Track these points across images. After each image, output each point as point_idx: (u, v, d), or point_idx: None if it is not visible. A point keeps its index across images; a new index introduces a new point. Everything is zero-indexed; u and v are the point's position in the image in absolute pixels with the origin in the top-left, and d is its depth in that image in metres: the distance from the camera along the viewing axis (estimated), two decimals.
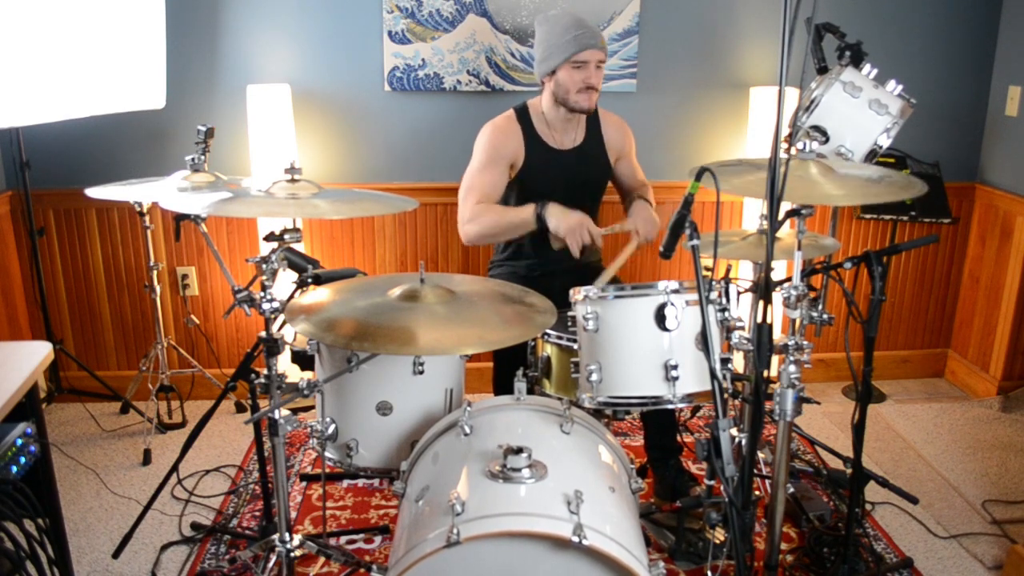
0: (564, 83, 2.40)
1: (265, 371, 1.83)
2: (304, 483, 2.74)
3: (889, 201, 1.88)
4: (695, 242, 1.61)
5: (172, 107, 3.01)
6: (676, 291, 1.76)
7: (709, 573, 2.08)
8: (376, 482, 2.69)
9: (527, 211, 2.36)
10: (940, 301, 3.59)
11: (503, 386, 2.36)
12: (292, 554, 1.93)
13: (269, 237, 1.78)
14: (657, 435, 2.55)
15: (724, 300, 1.83)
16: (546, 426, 1.74)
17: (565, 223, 2.29)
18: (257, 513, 2.56)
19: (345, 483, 2.71)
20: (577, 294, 1.86)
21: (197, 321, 3.25)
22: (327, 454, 2.00)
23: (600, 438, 1.80)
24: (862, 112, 2.19)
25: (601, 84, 2.44)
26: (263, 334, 1.81)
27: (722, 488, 1.49)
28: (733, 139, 3.29)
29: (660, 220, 2.46)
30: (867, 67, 2.24)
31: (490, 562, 1.44)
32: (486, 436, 1.68)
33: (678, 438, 2.58)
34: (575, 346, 1.93)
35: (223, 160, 3.10)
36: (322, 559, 2.25)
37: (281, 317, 1.80)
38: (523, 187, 2.50)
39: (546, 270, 2.54)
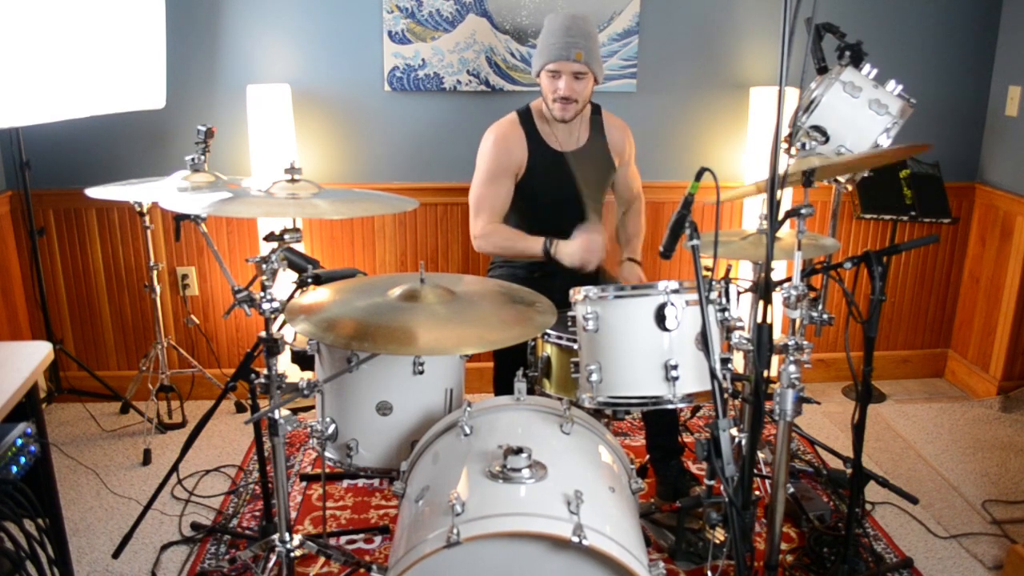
0: (544, 88, 2.43)
1: (265, 371, 1.83)
2: (304, 483, 2.74)
3: (893, 161, 1.88)
4: (695, 242, 1.61)
5: (172, 107, 3.01)
6: (676, 291, 1.76)
7: (709, 573, 2.08)
8: (376, 482, 2.69)
9: (536, 247, 2.41)
10: (940, 301, 3.59)
11: (503, 386, 2.36)
12: (292, 554, 1.93)
13: (269, 237, 1.78)
14: (658, 435, 2.55)
15: (724, 300, 1.83)
16: (546, 426, 1.74)
17: (579, 257, 2.33)
18: (257, 513, 2.56)
19: (345, 483, 2.71)
20: (577, 294, 1.86)
21: (197, 321, 3.25)
22: (327, 454, 2.00)
23: (600, 438, 1.81)
24: (862, 112, 2.19)
25: (584, 95, 2.41)
26: (263, 334, 1.81)
27: (722, 488, 1.49)
28: (733, 139, 3.29)
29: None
30: (867, 67, 2.23)
31: (490, 562, 1.44)
32: (486, 436, 1.68)
33: (679, 438, 2.58)
34: (575, 346, 1.93)
35: (223, 160, 3.10)
36: (322, 559, 2.25)
37: (281, 317, 1.80)
38: (527, 189, 2.50)
39: (546, 270, 2.54)
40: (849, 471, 2.15)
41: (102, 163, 3.10)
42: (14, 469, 1.53)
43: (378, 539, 2.41)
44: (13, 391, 1.58)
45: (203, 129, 2.57)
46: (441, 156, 3.21)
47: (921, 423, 3.19)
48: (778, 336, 1.66)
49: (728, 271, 2.27)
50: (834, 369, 3.60)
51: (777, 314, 2.95)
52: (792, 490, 2.16)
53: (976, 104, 3.37)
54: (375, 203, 1.91)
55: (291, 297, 1.99)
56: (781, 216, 1.62)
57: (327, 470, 2.66)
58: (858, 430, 2.06)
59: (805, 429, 3.04)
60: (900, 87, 2.21)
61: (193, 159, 2.47)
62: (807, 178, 1.85)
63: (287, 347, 1.88)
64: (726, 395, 1.75)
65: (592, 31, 2.41)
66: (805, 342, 1.74)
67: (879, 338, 3.53)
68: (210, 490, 2.69)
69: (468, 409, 1.75)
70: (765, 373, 1.59)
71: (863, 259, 1.97)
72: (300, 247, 2.07)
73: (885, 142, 2.19)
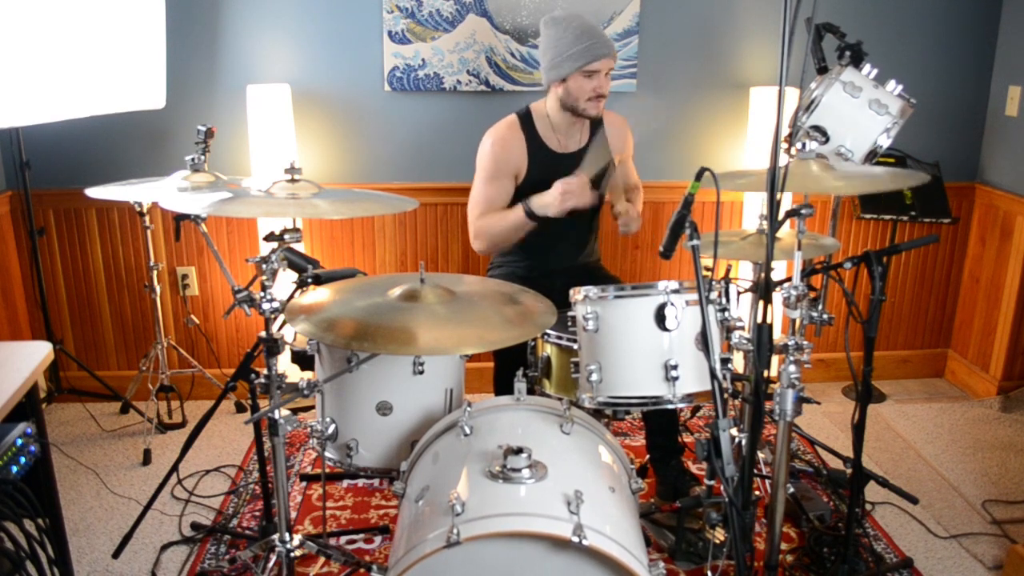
0: (574, 91, 2.40)
1: (265, 371, 1.83)
2: (304, 483, 2.74)
3: (892, 189, 1.89)
4: (695, 242, 1.61)
5: (172, 107, 3.01)
6: (676, 291, 1.77)
7: (709, 573, 2.08)
8: (376, 482, 2.70)
9: (518, 213, 2.39)
10: (940, 301, 3.59)
11: (503, 386, 2.36)
12: (292, 554, 1.93)
13: (269, 237, 1.78)
14: (658, 435, 2.55)
15: (724, 300, 1.84)
16: (546, 426, 1.74)
17: (558, 203, 2.30)
18: (257, 513, 2.56)
19: (345, 483, 2.71)
20: (577, 294, 1.86)
21: (197, 321, 3.25)
22: (327, 454, 2.00)
23: (600, 438, 1.80)
24: (862, 112, 2.19)
25: (609, 90, 2.44)
26: (263, 334, 1.81)
27: (722, 488, 1.49)
28: (733, 139, 3.29)
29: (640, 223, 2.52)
30: (867, 67, 2.23)
31: (490, 562, 1.44)
32: (486, 436, 1.68)
33: (679, 438, 2.58)
34: (575, 346, 1.93)
35: (223, 160, 3.10)
36: (322, 559, 2.25)
37: (281, 317, 1.80)
38: (527, 191, 2.49)
39: (546, 270, 2.55)
40: (849, 471, 2.15)
41: (102, 163, 3.10)
42: (14, 469, 1.53)
43: (378, 539, 2.41)
44: (13, 391, 1.58)
45: (203, 129, 2.56)
46: (441, 156, 3.21)
47: (921, 423, 3.19)
48: (778, 336, 1.66)
49: (728, 271, 2.27)
50: (834, 369, 3.60)
51: (777, 314, 2.95)
52: (792, 490, 2.16)
53: (976, 104, 3.38)
54: (375, 203, 1.91)
55: (291, 297, 1.99)
56: (781, 216, 1.62)
57: (327, 470, 2.66)
58: (858, 430, 2.06)
59: (805, 429, 3.04)
60: (900, 87, 2.21)
61: (193, 159, 2.47)
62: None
63: (287, 347, 1.88)
64: (726, 395, 1.75)
65: None
66: (805, 342, 1.74)
67: (879, 338, 3.53)
68: (210, 490, 2.69)
69: (468, 409, 1.75)
70: (765, 373, 1.59)
71: (863, 259, 1.97)
72: (300, 247, 2.07)
73: (885, 142, 2.19)
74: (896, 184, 2.00)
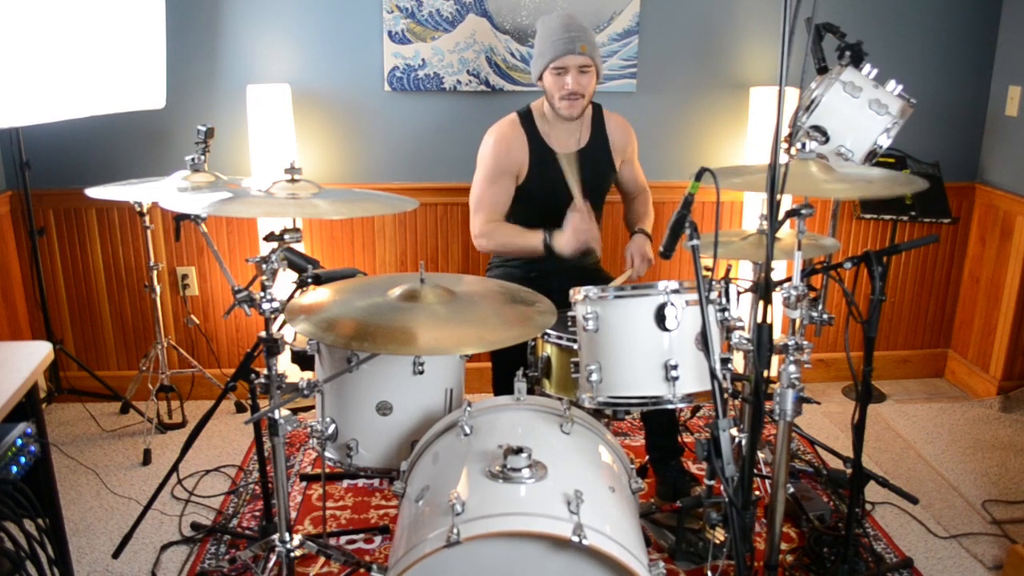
0: (549, 88, 2.42)
1: (265, 371, 1.83)
2: (304, 483, 2.74)
3: (890, 196, 1.90)
4: (695, 242, 1.61)
5: (172, 107, 3.01)
6: (676, 291, 1.76)
7: (709, 573, 2.08)
8: (376, 482, 2.70)
9: (536, 240, 2.42)
10: (940, 301, 3.59)
11: (503, 386, 2.36)
12: (292, 554, 1.93)
13: (269, 237, 1.78)
14: (658, 435, 2.55)
15: (724, 300, 1.84)
16: (546, 426, 1.74)
17: (572, 244, 2.35)
18: (257, 513, 2.56)
19: (345, 483, 2.71)
20: (577, 294, 1.86)
21: (197, 321, 3.25)
22: (327, 454, 2.00)
23: (600, 438, 1.81)
24: (862, 112, 2.19)
25: (589, 90, 2.42)
26: (263, 334, 1.81)
27: (722, 488, 1.49)
28: (733, 139, 3.29)
29: (653, 251, 2.55)
30: (867, 67, 2.24)
31: (490, 562, 1.44)
32: (486, 436, 1.68)
33: (679, 439, 2.58)
34: (575, 346, 1.93)
35: (223, 160, 3.10)
36: (322, 559, 2.25)
37: (281, 317, 1.80)
38: (528, 191, 2.50)
39: (545, 270, 2.54)
40: (849, 471, 2.15)
41: (102, 163, 3.10)
42: (14, 469, 1.53)
43: (378, 539, 2.41)
44: (13, 391, 1.58)
45: (203, 129, 2.56)
46: (441, 156, 3.21)
47: (921, 423, 3.19)
48: (778, 336, 1.66)
49: (728, 271, 2.27)
50: (834, 369, 3.60)
51: (777, 314, 2.95)
52: (792, 490, 2.16)
53: (976, 104, 3.37)
54: (375, 203, 1.91)
55: (291, 297, 1.99)
56: (781, 216, 1.61)
57: (327, 470, 2.66)
58: (858, 430, 2.06)
59: (805, 429, 3.04)
60: (900, 87, 2.21)
61: (193, 159, 2.47)
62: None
63: (287, 347, 1.88)
64: (726, 395, 1.75)
65: (588, 26, 2.42)
66: (805, 342, 1.74)
67: (879, 338, 3.53)
68: (210, 490, 2.69)
69: (468, 409, 1.75)
70: (765, 373, 1.59)
71: (863, 259, 1.97)
72: (300, 247, 2.07)
73: (885, 142, 2.19)
74: (892, 191, 2.00)
